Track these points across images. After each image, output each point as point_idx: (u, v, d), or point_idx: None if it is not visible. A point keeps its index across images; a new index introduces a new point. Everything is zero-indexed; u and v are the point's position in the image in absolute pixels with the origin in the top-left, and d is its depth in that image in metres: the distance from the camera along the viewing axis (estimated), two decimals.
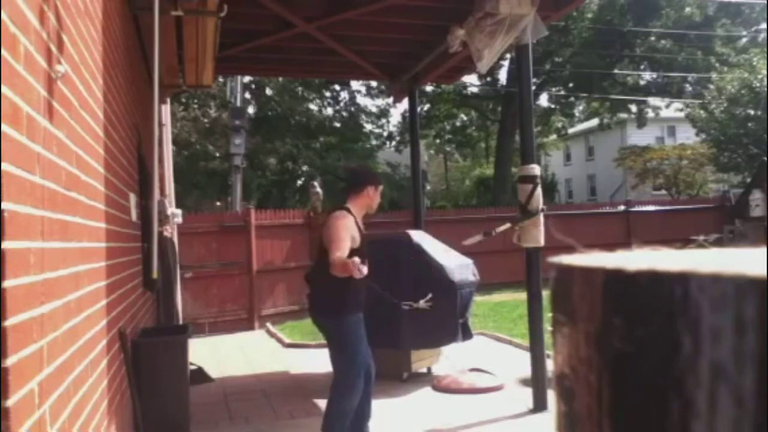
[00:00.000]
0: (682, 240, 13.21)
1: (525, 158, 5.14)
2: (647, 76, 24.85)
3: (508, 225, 5.18)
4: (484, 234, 5.53)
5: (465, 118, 28.22)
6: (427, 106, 25.01)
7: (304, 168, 22.72)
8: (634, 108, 24.58)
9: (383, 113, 26.25)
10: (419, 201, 7.95)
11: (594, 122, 29.65)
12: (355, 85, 24.23)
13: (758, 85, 20.01)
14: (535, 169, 5.04)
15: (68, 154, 2.12)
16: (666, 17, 21.73)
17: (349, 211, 3.94)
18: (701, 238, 13.86)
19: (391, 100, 8.59)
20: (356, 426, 3.98)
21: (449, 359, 6.28)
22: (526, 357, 5.24)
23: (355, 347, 3.84)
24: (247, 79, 18.85)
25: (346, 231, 3.77)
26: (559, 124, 27.84)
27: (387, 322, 5.62)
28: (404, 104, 8.18)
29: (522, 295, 6.31)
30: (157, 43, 3.68)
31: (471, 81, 24.53)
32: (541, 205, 4.97)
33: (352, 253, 3.72)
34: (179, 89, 7.41)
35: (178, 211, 7.21)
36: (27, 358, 1.54)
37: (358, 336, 3.86)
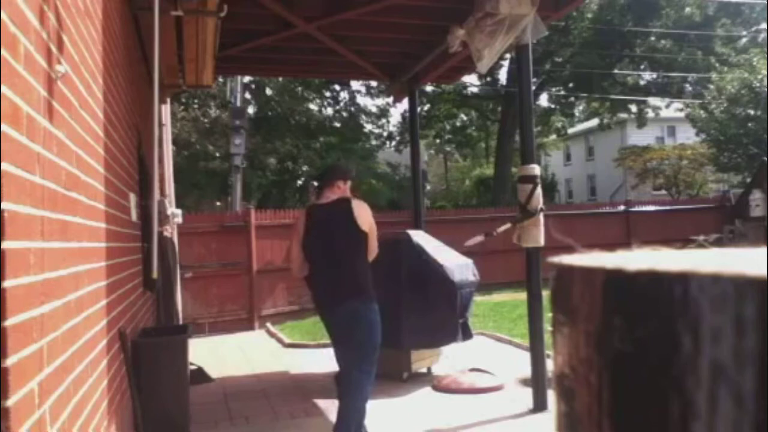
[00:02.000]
0: (682, 240, 13.21)
1: (525, 158, 5.14)
2: (647, 76, 24.84)
3: (509, 225, 5.18)
4: (485, 235, 5.53)
5: (465, 118, 28.22)
6: (427, 106, 25.00)
7: (304, 168, 22.71)
8: (634, 108, 24.57)
9: (383, 113, 26.25)
10: (419, 201, 7.95)
11: (594, 122, 29.65)
12: (355, 85, 24.24)
13: (758, 85, 20.01)
14: (535, 169, 5.04)
15: (68, 154, 2.12)
16: (666, 17, 21.73)
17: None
18: (701, 238, 13.86)
19: (391, 100, 8.59)
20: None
21: (449, 359, 6.28)
22: (526, 357, 5.24)
23: (379, 331, 3.95)
24: (247, 79, 18.84)
25: None
26: (559, 124, 27.83)
27: (387, 322, 5.61)
28: (404, 104, 8.18)
29: (522, 295, 6.31)
30: (157, 43, 3.68)
31: (471, 81, 24.57)
32: (540, 205, 4.97)
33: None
34: (179, 89, 7.41)
35: (178, 211, 7.21)
36: (27, 358, 1.54)
37: (379, 320, 3.98)
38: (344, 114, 24.97)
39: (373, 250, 4.14)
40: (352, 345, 3.95)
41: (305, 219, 4.17)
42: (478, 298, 7.73)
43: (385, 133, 27.28)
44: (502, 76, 23.64)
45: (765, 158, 16.20)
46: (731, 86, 20.83)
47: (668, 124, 32.67)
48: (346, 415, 3.85)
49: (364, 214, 4.01)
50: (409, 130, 8.79)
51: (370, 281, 4.00)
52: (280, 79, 20.37)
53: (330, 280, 3.99)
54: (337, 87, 24.07)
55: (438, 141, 32.00)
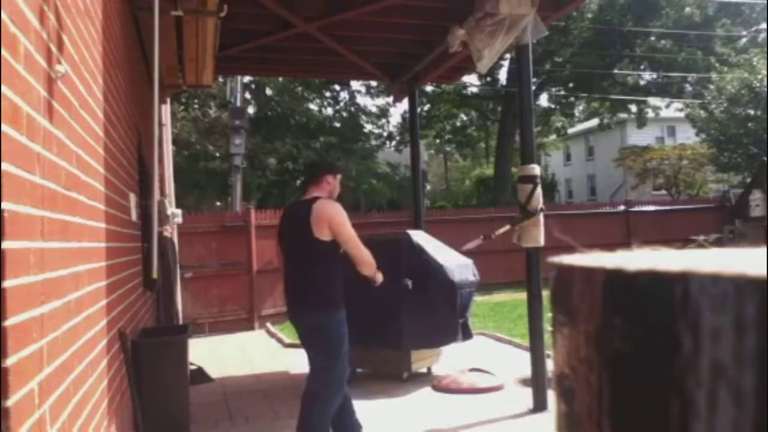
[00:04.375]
0: (682, 240, 13.21)
1: (525, 158, 5.14)
2: (647, 76, 24.85)
3: (507, 227, 5.18)
4: (483, 237, 5.53)
5: (465, 118, 28.22)
6: (427, 106, 25.01)
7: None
8: (634, 108, 24.58)
9: (383, 113, 26.25)
10: (419, 201, 7.95)
11: (594, 122, 29.66)
12: (355, 85, 24.25)
13: (758, 85, 20.01)
14: (535, 169, 5.05)
15: (68, 154, 2.12)
16: (666, 17, 21.73)
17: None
18: (701, 238, 13.86)
19: (391, 100, 8.59)
20: (348, 424, 3.95)
21: (449, 359, 6.28)
22: (526, 357, 5.24)
23: (344, 343, 3.73)
24: (247, 79, 18.84)
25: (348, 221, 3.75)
26: (559, 124, 27.83)
27: (387, 322, 5.62)
28: (404, 104, 8.19)
29: (522, 295, 6.31)
30: (157, 43, 3.68)
31: (471, 81, 24.57)
32: (540, 205, 4.97)
33: (335, 247, 3.71)
34: (179, 89, 7.41)
35: (178, 211, 7.21)
36: (27, 358, 1.54)
37: (346, 332, 3.75)
38: (344, 114, 24.97)
39: (355, 257, 3.74)
40: (314, 357, 3.78)
41: (281, 219, 4.03)
42: (478, 298, 7.73)
43: (385, 133, 27.29)
44: (502, 76, 23.65)
45: (765, 158, 16.20)
46: (731, 86, 20.83)
47: (668, 124, 32.68)
48: (312, 419, 3.70)
49: (323, 219, 3.61)
50: (409, 130, 8.80)
51: (334, 290, 3.70)
52: (280, 79, 20.37)
53: (292, 287, 3.81)
54: (337, 87, 24.07)
55: (438, 141, 31.99)
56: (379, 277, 3.98)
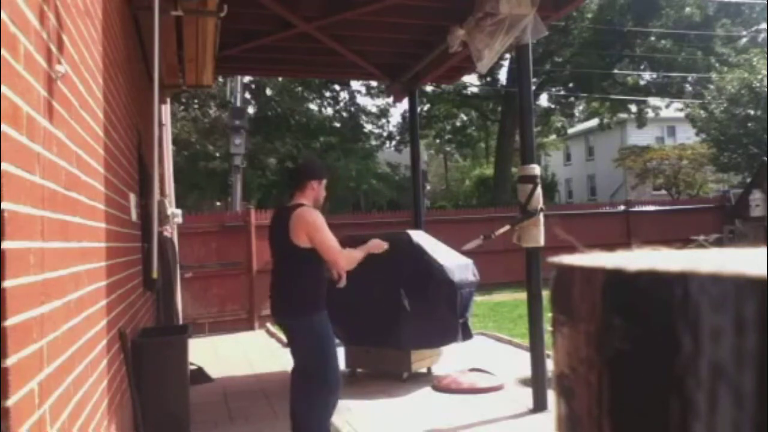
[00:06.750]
0: (682, 240, 13.21)
1: (525, 158, 5.14)
2: (647, 76, 24.85)
3: (507, 227, 5.18)
4: (483, 237, 5.53)
5: (465, 118, 28.22)
6: (427, 106, 25.01)
7: None
8: (634, 108, 24.59)
9: (383, 113, 26.26)
10: (419, 201, 7.95)
11: (594, 122, 29.66)
12: (355, 85, 24.26)
13: (758, 85, 20.01)
14: (535, 169, 5.04)
15: (68, 154, 2.12)
16: (666, 17, 21.73)
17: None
18: (701, 238, 13.86)
19: (391, 100, 8.59)
20: None
21: (449, 359, 6.28)
22: (526, 357, 5.24)
23: (329, 343, 3.76)
24: (247, 79, 18.85)
25: (327, 227, 3.77)
26: (559, 124, 27.84)
27: (387, 322, 5.62)
28: (404, 104, 8.19)
29: (522, 295, 6.31)
30: (157, 43, 3.68)
31: (471, 81, 24.57)
32: (540, 205, 4.97)
33: (315, 253, 3.74)
34: (179, 89, 7.41)
35: (178, 211, 7.21)
36: (27, 358, 1.54)
37: (330, 333, 3.78)
38: (344, 114, 24.98)
39: (332, 261, 3.78)
40: (301, 361, 3.82)
41: (270, 222, 4.07)
42: (478, 298, 7.73)
43: (385, 133, 27.30)
44: (502, 76, 23.65)
45: (765, 158, 16.20)
46: (731, 86, 20.83)
47: (668, 124, 32.69)
48: (311, 418, 3.73)
49: (301, 227, 3.67)
50: (409, 130, 8.80)
51: (314, 294, 3.74)
52: (280, 79, 20.37)
53: (275, 290, 3.88)
54: (337, 87, 24.08)
55: (438, 141, 32.00)
56: (374, 245, 4.03)
